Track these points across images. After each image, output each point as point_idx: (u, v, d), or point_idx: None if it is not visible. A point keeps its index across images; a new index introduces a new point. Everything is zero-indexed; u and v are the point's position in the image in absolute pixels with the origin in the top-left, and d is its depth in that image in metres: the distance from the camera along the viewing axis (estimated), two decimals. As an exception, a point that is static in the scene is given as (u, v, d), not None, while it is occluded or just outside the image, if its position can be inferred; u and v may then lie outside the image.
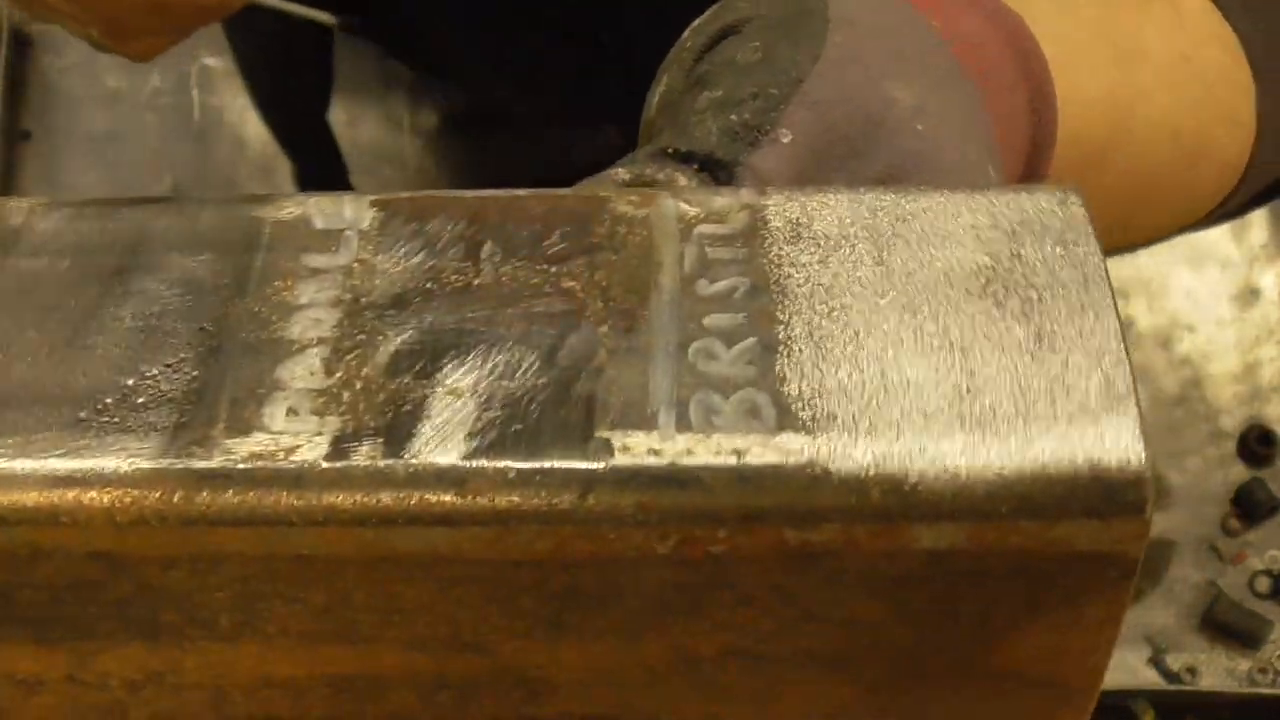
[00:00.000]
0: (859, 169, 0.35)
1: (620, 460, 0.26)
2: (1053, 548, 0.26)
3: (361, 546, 0.26)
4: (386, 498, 0.26)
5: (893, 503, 0.26)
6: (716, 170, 0.34)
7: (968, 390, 0.27)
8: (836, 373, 0.27)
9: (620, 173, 0.35)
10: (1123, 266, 1.16)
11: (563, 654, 0.28)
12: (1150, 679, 1.09)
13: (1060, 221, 0.29)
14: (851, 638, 0.28)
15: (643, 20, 0.84)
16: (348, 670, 0.28)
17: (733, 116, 0.34)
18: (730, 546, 0.26)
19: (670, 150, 0.35)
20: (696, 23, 0.38)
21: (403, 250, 0.29)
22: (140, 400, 0.27)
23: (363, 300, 0.28)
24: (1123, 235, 0.52)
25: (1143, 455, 0.26)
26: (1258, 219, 1.18)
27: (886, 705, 0.29)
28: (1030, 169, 0.41)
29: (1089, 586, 0.27)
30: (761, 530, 0.26)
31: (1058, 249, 0.29)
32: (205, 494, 0.26)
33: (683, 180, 0.34)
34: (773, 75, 0.35)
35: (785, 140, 0.34)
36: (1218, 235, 1.17)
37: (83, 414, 0.26)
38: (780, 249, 0.29)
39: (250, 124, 1.20)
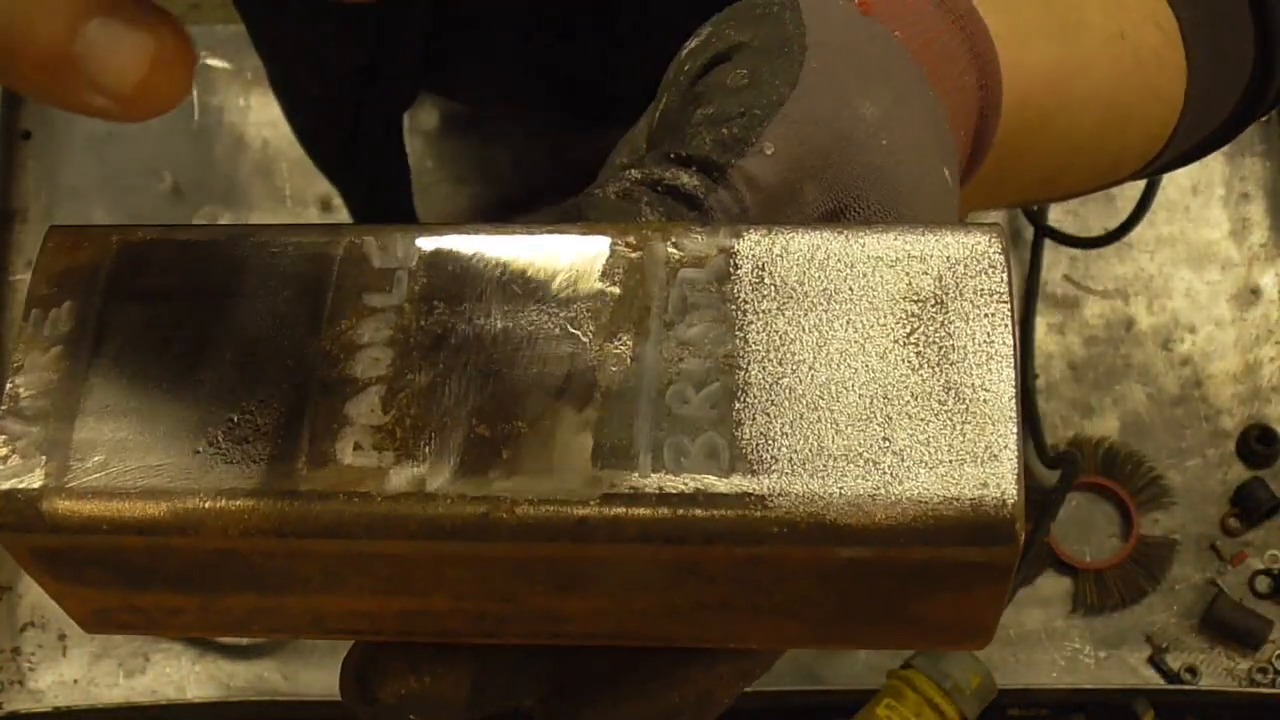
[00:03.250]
0: (832, 178, 0.41)
1: (608, 498, 0.34)
2: (944, 559, 0.34)
3: (414, 550, 0.35)
4: (428, 522, 0.34)
5: (816, 533, 0.33)
6: (711, 171, 0.40)
7: (885, 440, 0.34)
8: (781, 418, 0.34)
9: (633, 173, 0.41)
10: (1123, 266, 1.17)
11: (571, 603, 0.36)
12: (1150, 679, 1.09)
13: (981, 269, 0.36)
14: (795, 600, 0.36)
15: (664, 23, 0.84)
16: (411, 608, 0.37)
17: (723, 130, 0.40)
18: (693, 556, 0.34)
19: (672, 155, 0.41)
20: (692, 46, 0.44)
21: (444, 292, 0.36)
22: (242, 434, 0.35)
23: (411, 341, 0.36)
24: (1050, 191, 0.59)
25: (1015, 499, 0.33)
26: (1258, 219, 1.18)
27: (827, 635, 0.38)
28: (978, 139, 0.47)
29: (976, 579, 0.35)
30: (717, 546, 0.34)
31: (976, 300, 0.35)
32: (295, 514, 0.34)
33: (684, 178, 0.40)
34: (757, 98, 0.41)
35: (768, 152, 0.40)
36: (1218, 235, 1.18)
37: (199, 448, 0.35)
38: (746, 295, 0.36)
39: (250, 124, 1.20)
